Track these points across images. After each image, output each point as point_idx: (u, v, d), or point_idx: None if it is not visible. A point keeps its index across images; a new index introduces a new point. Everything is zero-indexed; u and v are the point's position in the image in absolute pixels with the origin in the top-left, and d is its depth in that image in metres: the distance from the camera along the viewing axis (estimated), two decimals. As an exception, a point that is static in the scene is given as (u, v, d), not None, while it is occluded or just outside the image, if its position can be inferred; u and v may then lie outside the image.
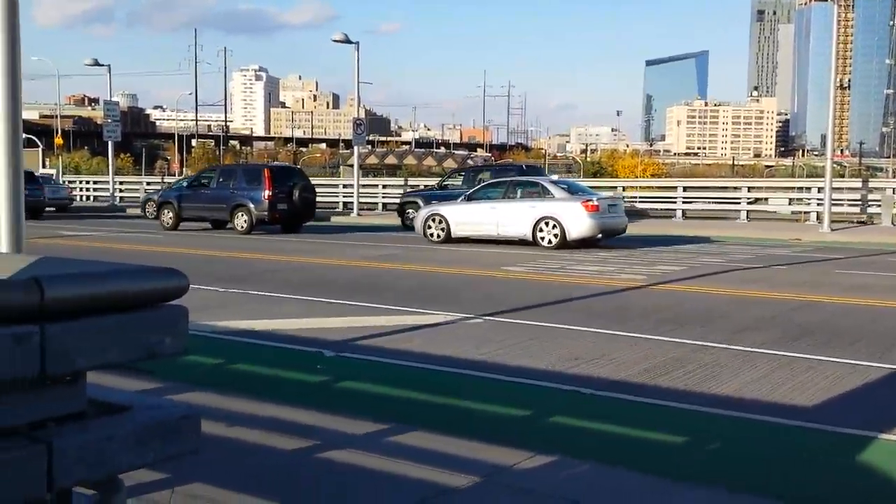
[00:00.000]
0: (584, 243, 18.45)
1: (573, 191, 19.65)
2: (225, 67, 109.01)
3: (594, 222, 18.29)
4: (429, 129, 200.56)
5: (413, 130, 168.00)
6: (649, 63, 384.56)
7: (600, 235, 18.57)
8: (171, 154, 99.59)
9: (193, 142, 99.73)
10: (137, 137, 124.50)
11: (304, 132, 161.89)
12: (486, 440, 5.06)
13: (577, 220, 18.23)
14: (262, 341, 8.30)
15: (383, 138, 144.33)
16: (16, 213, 6.37)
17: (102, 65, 39.81)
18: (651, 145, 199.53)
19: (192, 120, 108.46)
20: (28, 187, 26.08)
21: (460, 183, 25.13)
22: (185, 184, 26.30)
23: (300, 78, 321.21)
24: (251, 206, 23.06)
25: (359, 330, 8.87)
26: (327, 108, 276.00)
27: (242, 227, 23.25)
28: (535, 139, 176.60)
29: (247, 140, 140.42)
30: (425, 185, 30.65)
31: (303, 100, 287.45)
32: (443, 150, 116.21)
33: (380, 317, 9.68)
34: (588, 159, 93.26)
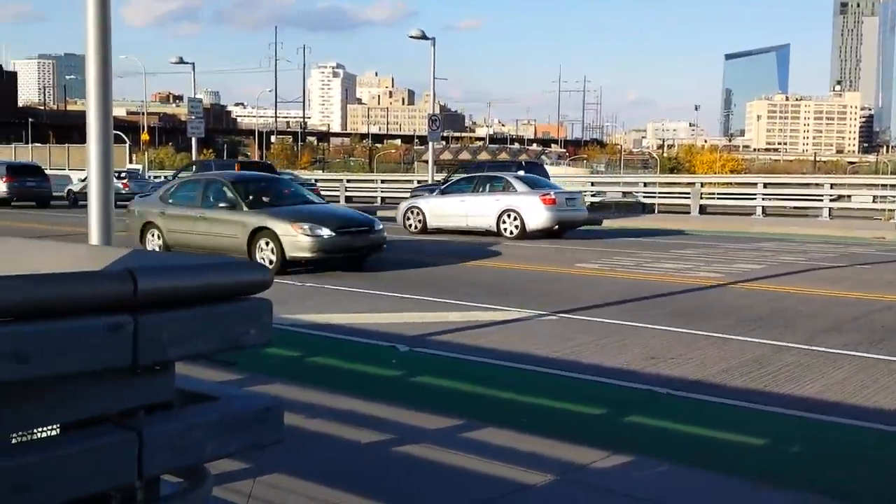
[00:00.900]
0: (543, 234, 19.56)
1: (535, 186, 20.64)
2: (304, 65, 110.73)
3: (550, 214, 19.46)
4: (503, 125, 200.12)
5: (487, 126, 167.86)
6: (729, 57, 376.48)
7: (557, 227, 19.64)
8: (251, 150, 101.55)
9: (273, 138, 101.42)
10: (219, 134, 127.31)
11: (380, 128, 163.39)
12: (560, 438, 5.04)
13: (535, 213, 19.46)
14: (339, 335, 8.42)
15: (457, 134, 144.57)
16: (105, 209, 6.60)
17: (187, 63, 40.87)
18: (730, 141, 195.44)
19: (271, 116, 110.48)
20: (35, 180, 26.50)
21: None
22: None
23: (377, 74, 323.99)
24: None
25: (432, 325, 8.92)
26: (403, 104, 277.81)
27: None
28: (610, 134, 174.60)
29: (324, 136, 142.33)
30: (435, 182, 30.43)
31: (379, 96, 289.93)
32: (517, 145, 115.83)
33: (453, 312, 9.72)
34: (665, 155, 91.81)
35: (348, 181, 41.05)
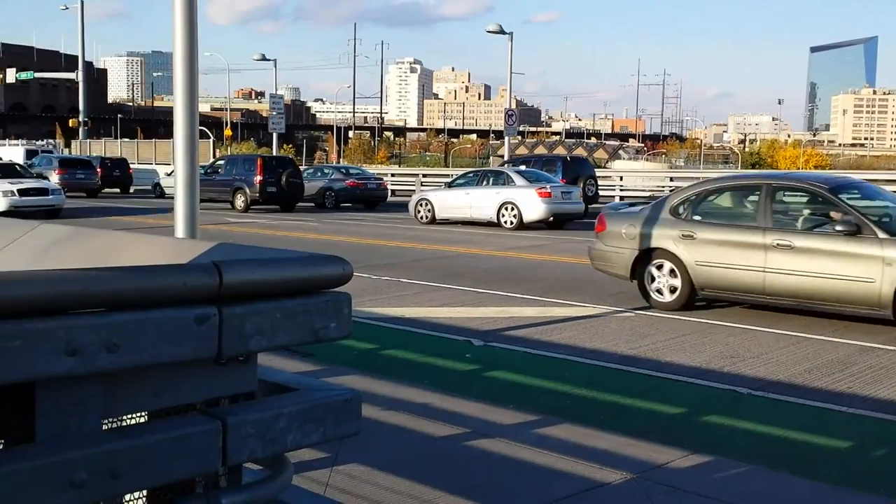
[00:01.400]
0: (540, 225, 20.87)
1: (533, 179, 21.77)
2: (382, 61, 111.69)
3: (546, 207, 20.57)
4: (580, 120, 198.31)
5: (564, 121, 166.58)
6: (814, 49, 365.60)
7: (552, 218, 20.82)
8: (330, 145, 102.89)
9: (350, 133, 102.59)
10: (299, 129, 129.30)
11: (456, 123, 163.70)
12: (637, 436, 4.99)
13: (532, 205, 20.58)
14: (414, 328, 8.48)
15: (533, 129, 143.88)
16: (191, 202, 6.77)
17: (269, 59, 41.65)
18: (814, 135, 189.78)
19: (349, 112, 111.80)
20: (84, 173, 27.89)
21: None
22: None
23: (453, 69, 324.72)
24: (247, 188, 27.26)
25: (507, 320, 8.92)
26: (479, 99, 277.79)
27: (240, 206, 27.20)
28: (690, 129, 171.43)
29: (400, 131, 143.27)
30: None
31: (455, 91, 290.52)
32: (593, 140, 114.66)
33: (528, 307, 9.68)
34: (746, 149, 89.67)
35: (424, 175, 41.25)
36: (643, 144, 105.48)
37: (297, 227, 21.25)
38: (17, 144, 53.04)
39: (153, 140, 56.20)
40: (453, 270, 12.75)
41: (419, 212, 22.93)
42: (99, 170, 34.55)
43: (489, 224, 21.28)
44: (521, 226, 20.56)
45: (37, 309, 1.86)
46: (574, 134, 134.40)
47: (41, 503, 1.86)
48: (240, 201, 27.23)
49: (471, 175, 23.87)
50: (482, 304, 9.92)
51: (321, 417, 2.43)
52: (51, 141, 71.64)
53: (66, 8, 56.06)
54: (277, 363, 6.85)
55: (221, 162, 29.86)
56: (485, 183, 22.18)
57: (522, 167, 24.59)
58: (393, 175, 37.90)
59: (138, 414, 2.36)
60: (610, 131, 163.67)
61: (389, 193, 32.58)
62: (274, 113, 37.50)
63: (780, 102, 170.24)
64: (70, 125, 62.66)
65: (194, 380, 2.29)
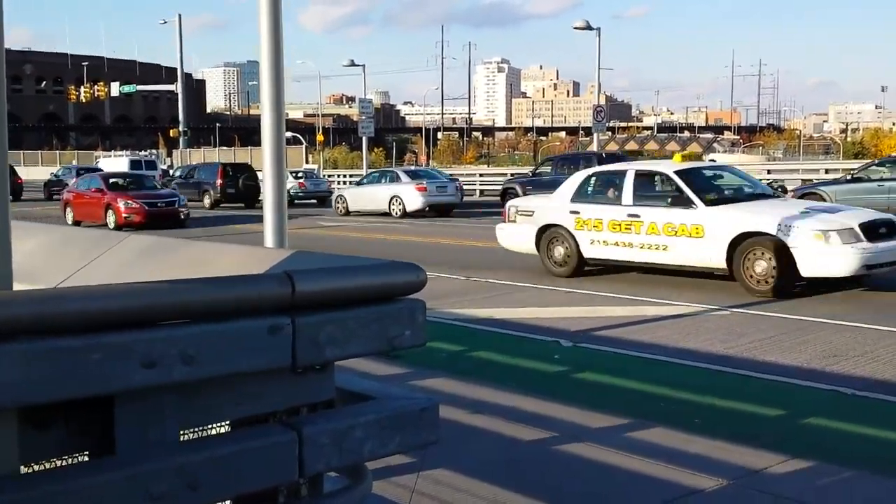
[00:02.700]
0: (417, 214, 25.28)
1: (414, 177, 26.81)
2: (469, 61, 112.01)
3: (423, 199, 25.34)
4: (672, 113, 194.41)
5: (655, 115, 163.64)
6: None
7: (427, 209, 25.31)
8: (419, 147, 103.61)
9: (439, 135, 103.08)
10: (388, 132, 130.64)
11: (544, 121, 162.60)
12: (733, 441, 4.81)
13: (411, 198, 25.36)
14: (502, 329, 8.41)
15: (624, 124, 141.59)
16: (279, 212, 6.85)
17: (357, 65, 42.19)
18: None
19: (437, 114, 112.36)
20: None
21: (549, 170, 27.86)
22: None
23: (541, 68, 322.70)
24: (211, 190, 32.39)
25: (598, 320, 8.76)
26: (567, 96, 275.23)
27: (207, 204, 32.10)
28: (788, 120, 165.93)
29: (488, 131, 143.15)
30: (524, 174, 31.91)
31: (543, 89, 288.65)
32: (686, 133, 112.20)
33: (619, 307, 9.50)
34: (848, 139, 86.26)
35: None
36: (739, 137, 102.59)
37: (381, 230, 21.42)
38: (122, 155, 55.21)
39: (249, 147, 57.64)
40: (541, 270, 12.61)
41: (337, 205, 27.75)
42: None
43: (383, 214, 25.93)
44: (405, 215, 25.12)
45: (114, 322, 1.87)
46: (666, 128, 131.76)
47: (121, 515, 1.88)
48: (206, 200, 32.57)
49: (375, 175, 29.14)
50: (572, 304, 9.78)
51: (398, 426, 2.39)
52: (153, 151, 74.31)
53: (165, 22, 58.00)
54: (364, 366, 6.88)
55: (196, 169, 35.92)
56: (382, 181, 27.33)
57: (412, 167, 30.47)
58: (481, 175, 37.83)
59: (219, 424, 2.36)
60: (704, 124, 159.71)
61: (478, 194, 32.58)
62: (363, 117, 37.95)
63: (883, 90, 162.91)
64: (171, 135, 64.85)
65: (272, 389, 2.28)
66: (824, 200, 18.32)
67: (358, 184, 29.18)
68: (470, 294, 10.62)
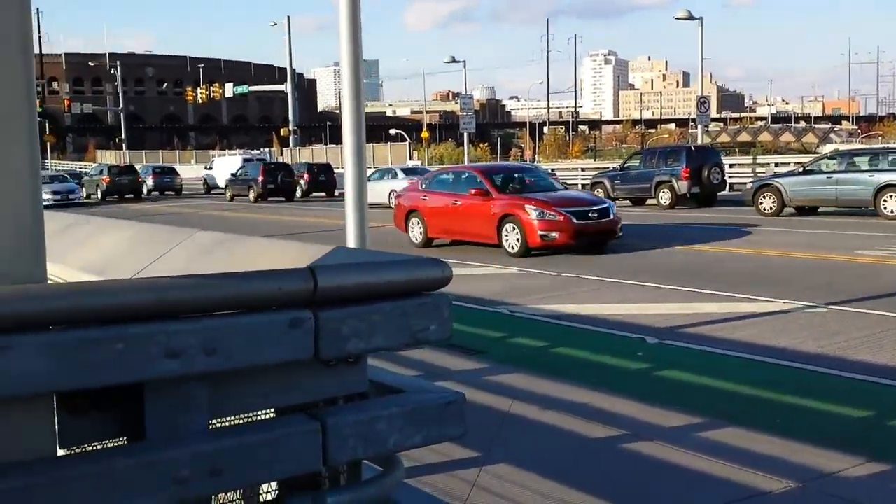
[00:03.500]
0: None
1: (410, 174, 29.97)
2: (575, 54, 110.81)
3: None
4: (786, 103, 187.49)
5: (769, 105, 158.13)
6: None
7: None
8: (524, 142, 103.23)
9: (545, 129, 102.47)
10: (494, 128, 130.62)
11: (653, 113, 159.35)
12: (809, 442, 4.65)
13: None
14: (587, 326, 8.34)
15: (736, 115, 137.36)
16: (361, 213, 6.96)
17: (458, 61, 42.40)
18: None
19: (543, 108, 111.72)
20: (129, 177, 37.46)
21: (638, 163, 27.00)
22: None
23: (649, 59, 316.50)
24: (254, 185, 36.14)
25: (687, 317, 8.57)
26: (676, 87, 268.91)
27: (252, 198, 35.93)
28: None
29: (595, 124, 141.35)
30: (613, 167, 31.27)
31: (651, 80, 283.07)
32: (802, 124, 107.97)
33: (710, 303, 9.27)
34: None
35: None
36: (857, 127, 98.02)
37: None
38: (235, 154, 57.14)
39: (355, 145, 58.52)
40: (636, 267, 12.43)
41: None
42: (306, 175, 36.96)
43: (386, 207, 27.47)
44: None
45: (137, 315, 1.98)
46: (780, 118, 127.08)
47: (147, 497, 1.98)
48: (251, 194, 35.80)
49: (379, 172, 32.44)
50: (663, 301, 9.60)
51: (423, 420, 2.42)
52: (265, 149, 76.49)
53: (275, 24, 59.68)
54: (447, 361, 6.96)
55: (244, 168, 39.47)
56: (385, 177, 31.38)
57: (411, 164, 35.38)
58: (583, 169, 37.39)
59: (264, 412, 2.45)
60: (820, 114, 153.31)
61: (580, 188, 32.21)
62: (464, 113, 38.11)
63: None
64: (282, 134, 66.65)
65: (303, 381, 2.36)
66: (779, 192, 20.35)
67: (367, 179, 32.24)
68: (559, 289, 10.55)
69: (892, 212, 18.54)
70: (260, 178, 35.43)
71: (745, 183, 31.98)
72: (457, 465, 4.44)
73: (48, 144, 79.08)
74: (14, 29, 1.96)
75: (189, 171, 55.26)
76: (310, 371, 2.34)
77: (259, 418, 2.45)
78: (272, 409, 2.45)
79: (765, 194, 20.74)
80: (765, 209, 20.55)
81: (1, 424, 1.90)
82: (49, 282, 2.28)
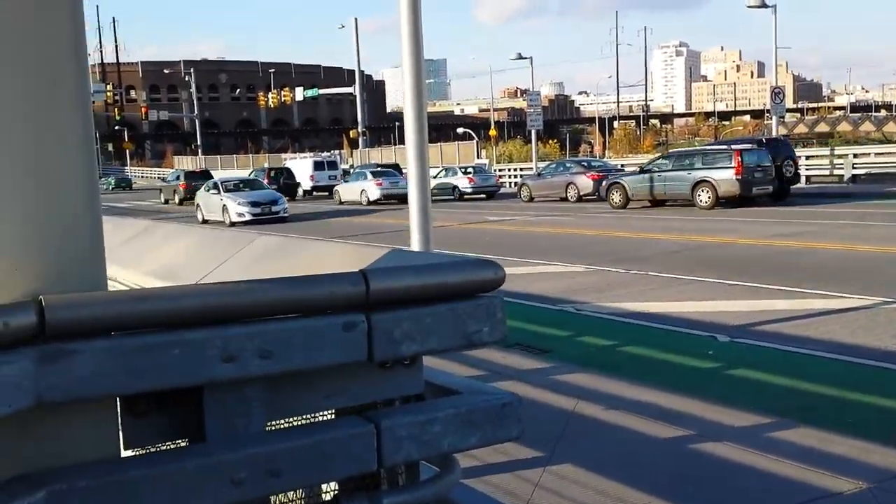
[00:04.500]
0: (376, 203, 34.16)
1: (376, 175, 35.92)
2: (645, 46, 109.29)
3: (379, 191, 34.59)
4: (866, 91, 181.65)
5: (848, 94, 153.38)
6: None
7: (381, 197, 33.99)
8: (594, 137, 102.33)
9: (615, 124, 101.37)
10: (563, 123, 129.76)
11: (727, 105, 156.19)
12: (882, 442, 4.51)
13: (372, 190, 34.79)
14: (656, 324, 8.23)
15: (813, 105, 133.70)
16: (424, 215, 7.00)
17: (525, 57, 42.24)
18: None
19: (613, 102, 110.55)
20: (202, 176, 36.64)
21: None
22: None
23: (722, 49, 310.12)
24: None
25: (761, 314, 8.39)
26: (751, 77, 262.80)
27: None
28: None
29: (667, 118, 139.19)
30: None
31: (725, 71, 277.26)
32: (883, 113, 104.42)
33: (784, 300, 9.04)
34: None
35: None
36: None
37: (547, 223, 21.34)
38: (306, 156, 57.99)
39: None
40: (705, 262, 12.21)
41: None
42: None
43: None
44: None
45: (193, 320, 2.03)
46: (860, 107, 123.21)
47: (206, 497, 2.03)
48: (176, 197, 40.39)
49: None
50: (733, 298, 9.42)
51: (478, 421, 2.43)
52: (335, 151, 77.47)
53: (343, 27, 60.32)
54: (512, 361, 6.96)
55: (252, 172, 44.73)
56: (357, 179, 36.63)
57: (375, 168, 39.12)
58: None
59: (323, 413, 2.50)
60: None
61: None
62: (531, 110, 37.95)
63: None
64: (351, 136, 67.32)
65: (359, 383, 2.39)
66: (624, 189, 24.91)
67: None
68: (627, 287, 10.43)
69: (703, 202, 22.56)
70: (265, 181, 38.64)
71: (824, 175, 31.18)
72: (521, 464, 4.44)
73: (127, 152, 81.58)
74: (64, 32, 2.00)
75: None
76: (365, 373, 2.37)
77: (316, 420, 2.49)
78: (331, 411, 2.50)
79: (614, 190, 25.40)
80: (614, 202, 25.23)
81: (67, 427, 1.98)
82: (120, 287, 2.37)
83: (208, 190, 30.76)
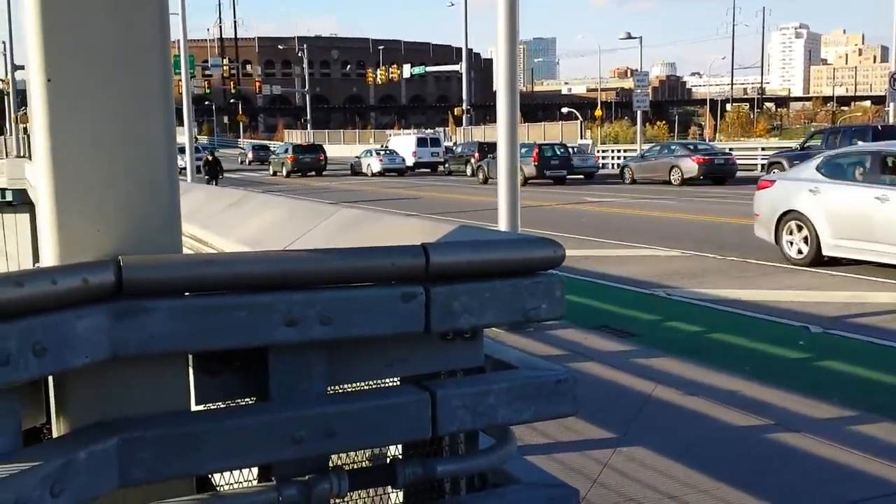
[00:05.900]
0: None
1: (376, 153, 41.83)
2: (763, 27, 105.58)
3: (380, 166, 41.41)
4: None
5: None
6: None
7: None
8: (704, 119, 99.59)
9: (728, 106, 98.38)
10: (672, 105, 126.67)
11: (847, 90, 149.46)
12: (971, 443, 4.35)
13: (374, 165, 41.64)
14: (748, 312, 8.06)
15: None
16: (513, 195, 7.05)
17: (634, 37, 41.44)
18: None
19: (726, 84, 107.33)
20: (311, 156, 43.87)
21: (819, 143, 26.55)
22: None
23: (844, 32, 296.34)
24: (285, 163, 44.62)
25: (858, 306, 8.12)
26: (874, 62, 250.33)
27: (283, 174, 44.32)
28: None
29: (783, 101, 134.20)
30: (794, 147, 31.15)
31: (846, 55, 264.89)
32: None
33: (885, 292, 8.71)
34: None
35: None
36: None
37: (646, 206, 20.98)
38: (410, 133, 58.56)
39: (526, 124, 58.68)
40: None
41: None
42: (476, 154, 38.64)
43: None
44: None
45: (259, 284, 2.16)
46: None
47: (269, 453, 2.17)
48: (284, 170, 43.27)
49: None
50: (831, 289, 9.12)
51: (531, 396, 2.49)
52: (438, 129, 77.83)
53: (452, 5, 60.46)
54: (596, 343, 6.96)
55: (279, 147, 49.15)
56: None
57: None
58: (763, 149, 35.67)
59: (390, 380, 2.60)
60: None
61: (759, 168, 30.93)
62: (638, 91, 37.27)
63: None
64: (456, 113, 67.52)
65: (419, 354, 2.48)
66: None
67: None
68: (722, 273, 10.23)
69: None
70: (290, 158, 43.60)
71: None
72: (592, 444, 4.48)
73: (241, 124, 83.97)
74: (149, 12, 2.13)
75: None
76: (426, 344, 2.45)
77: (375, 387, 2.59)
78: (396, 380, 2.59)
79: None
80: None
81: (140, 380, 2.13)
82: (213, 251, 2.52)
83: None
